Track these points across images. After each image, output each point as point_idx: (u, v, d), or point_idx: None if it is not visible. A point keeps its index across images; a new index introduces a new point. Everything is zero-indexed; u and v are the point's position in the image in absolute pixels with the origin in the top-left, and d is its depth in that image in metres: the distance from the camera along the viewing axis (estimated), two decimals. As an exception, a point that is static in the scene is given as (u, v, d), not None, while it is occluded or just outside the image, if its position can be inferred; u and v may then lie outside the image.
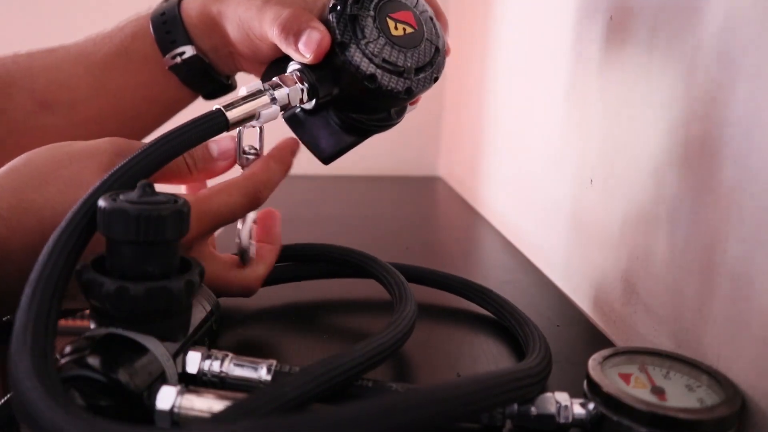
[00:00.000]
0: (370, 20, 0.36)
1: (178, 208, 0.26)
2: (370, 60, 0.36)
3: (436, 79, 0.39)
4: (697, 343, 0.33)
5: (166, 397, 0.24)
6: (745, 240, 0.29)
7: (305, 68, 0.37)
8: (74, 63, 0.45)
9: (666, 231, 0.37)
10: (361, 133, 0.41)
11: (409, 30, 0.38)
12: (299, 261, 0.46)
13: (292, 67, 0.37)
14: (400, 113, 0.42)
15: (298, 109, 0.39)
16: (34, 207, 0.30)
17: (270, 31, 0.38)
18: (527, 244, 0.66)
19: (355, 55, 0.36)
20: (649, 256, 0.39)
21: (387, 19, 0.37)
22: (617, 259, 0.43)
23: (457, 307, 0.45)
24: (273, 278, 0.44)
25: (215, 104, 0.33)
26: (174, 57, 0.44)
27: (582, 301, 0.50)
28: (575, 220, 0.53)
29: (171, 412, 0.24)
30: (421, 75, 0.38)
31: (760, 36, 0.29)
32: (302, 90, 0.36)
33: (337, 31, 0.36)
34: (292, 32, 0.36)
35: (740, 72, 0.30)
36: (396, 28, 0.37)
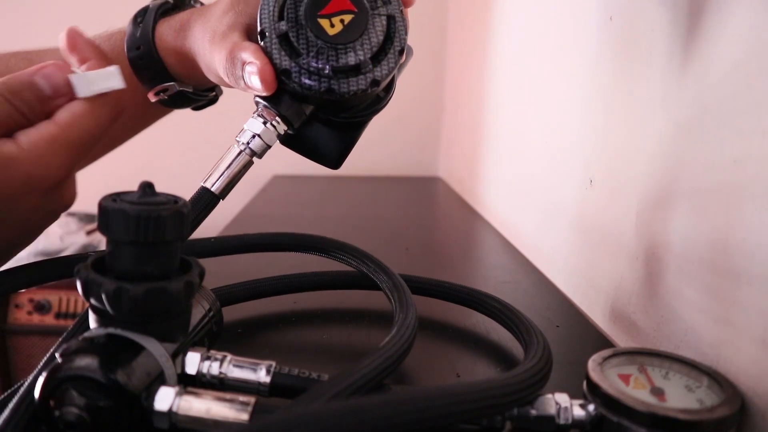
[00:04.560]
0: (302, 31, 0.33)
1: (178, 209, 0.26)
2: (319, 75, 0.33)
3: (401, 52, 0.34)
4: (697, 343, 0.33)
5: (165, 398, 0.24)
6: (745, 240, 0.29)
7: (268, 101, 0.35)
8: None
9: (666, 231, 0.37)
10: (357, 127, 0.38)
11: (348, 18, 0.33)
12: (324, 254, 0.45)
13: (258, 100, 0.35)
14: (388, 89, 0.38)
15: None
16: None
17: (224, 78, 0.36)
18: (527, 245, 0.66)
19: (302, 77, 0.33)
20: (648, 256, 0.39)
21: (318, 20, 0.33)
22: (617, 259, 0.43)
23: (454, 308, 0.45)
24: (282, 289, 0.44)
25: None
26: (158, 93, 0.43)
27: (582, 301, 0.50)
28: (575, 221, 0.53)
29: (169, 413, 0.24)
30: (383, 58, 0.34)
31: (760, 37, 0.29)
32: (274, 125, 0.35)
33: (274, 58, 0.33)
34: (234, 76, 0.34)
35: (739, 71, 0.30)
36: (332, 25, 0.33)
